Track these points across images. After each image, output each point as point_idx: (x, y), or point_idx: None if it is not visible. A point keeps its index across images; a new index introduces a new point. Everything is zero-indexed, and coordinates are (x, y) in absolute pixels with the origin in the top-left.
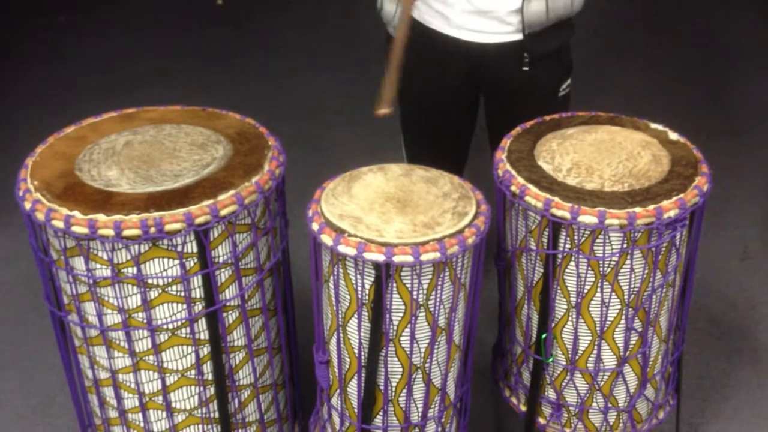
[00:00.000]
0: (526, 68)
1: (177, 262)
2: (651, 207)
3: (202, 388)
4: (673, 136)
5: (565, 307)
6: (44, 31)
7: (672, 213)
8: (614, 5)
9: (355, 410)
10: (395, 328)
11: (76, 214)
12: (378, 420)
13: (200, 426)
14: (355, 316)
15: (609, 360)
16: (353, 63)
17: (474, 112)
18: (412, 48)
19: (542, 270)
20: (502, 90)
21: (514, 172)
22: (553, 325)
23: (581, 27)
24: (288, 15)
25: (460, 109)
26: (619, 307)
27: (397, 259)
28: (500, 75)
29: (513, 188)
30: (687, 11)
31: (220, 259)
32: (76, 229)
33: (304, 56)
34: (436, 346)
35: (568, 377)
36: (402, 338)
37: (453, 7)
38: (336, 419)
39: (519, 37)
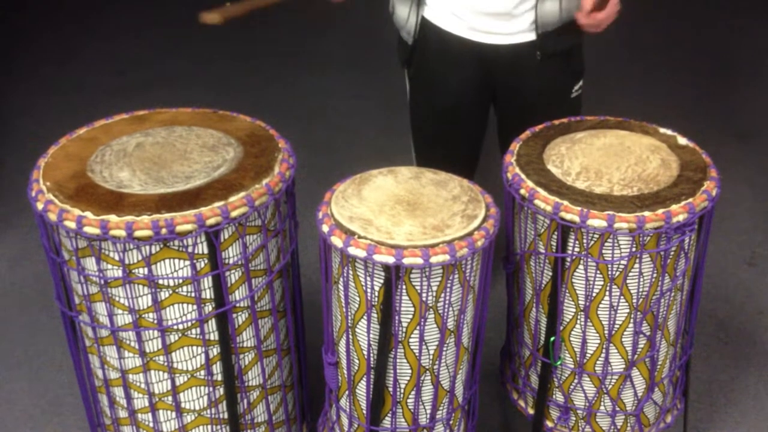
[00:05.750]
0: (540, 66)
1: (188, 263)
2: (660, 211)
3: (211, 389)
4: (682, 140)
5: (574, 310)
6: (55, 33)
7: (681, 217)
8: (624, 9)
9: (364, 412)
10: (404, 329)
11: (88, 214)
12: (386, 422)
13: (209, 426)
14: (365, 317)
15: (617, 363)
16: (362, 66)
17: (485, 115)
18: (424, 47)
19: (551, 273)
20: (516, 91)
21: (523, 176)
22: (561, 328)
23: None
24: (297, 18)
25: (473, 111)
26: (628, 310)
27: (406, 261)
28: (514, 76)
29: (522, 192)
30: (697, 16)
31: (231, 261)
32: (88, 229)
33: (313, 59)
34: (444, 348)
35: (576, 380)
36: (411, 340)
37: (466, 9)
38: (344, 421)
39: (533, 37)
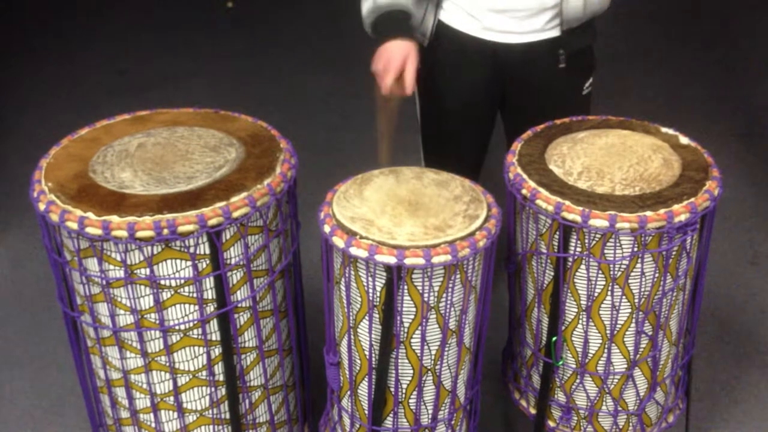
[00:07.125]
0: (562, 65)
1: (189, 263)
2: (662, 211)
3: (213, 389)
4: (684, 140)
5: (576, 310)
6: (55, 33)
7: (683, 217)
8: (628, 7)
9: (366, 412)
10: (406, 330)
11: (90, 215)
12: (388, 422)
13: (211, 426)
14: (366, 318)
15: (619, 363)
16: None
17: (494, 114)
18: (437, 48)
19: (553, 273)
20: (529, 90)
21: (525, 176)
22: (563, 328)
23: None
24: (298, 17)
25: (484, 112)
26: (630, 310)
27: (408, 261)
28: (527, 75)
29: (524, 191)
30: (700, 14)
31: (232, 261)
32: (89, 230)
33: (315, 59)
34: (446, 349)
35: (578, 380)
36: (413, 340)
37: (480, 8)
38: (346, 421)
39: (548, 35)
